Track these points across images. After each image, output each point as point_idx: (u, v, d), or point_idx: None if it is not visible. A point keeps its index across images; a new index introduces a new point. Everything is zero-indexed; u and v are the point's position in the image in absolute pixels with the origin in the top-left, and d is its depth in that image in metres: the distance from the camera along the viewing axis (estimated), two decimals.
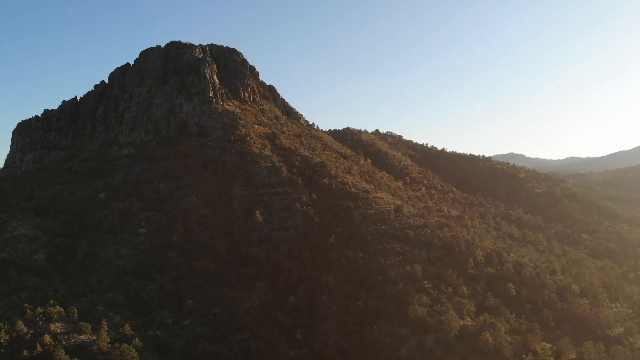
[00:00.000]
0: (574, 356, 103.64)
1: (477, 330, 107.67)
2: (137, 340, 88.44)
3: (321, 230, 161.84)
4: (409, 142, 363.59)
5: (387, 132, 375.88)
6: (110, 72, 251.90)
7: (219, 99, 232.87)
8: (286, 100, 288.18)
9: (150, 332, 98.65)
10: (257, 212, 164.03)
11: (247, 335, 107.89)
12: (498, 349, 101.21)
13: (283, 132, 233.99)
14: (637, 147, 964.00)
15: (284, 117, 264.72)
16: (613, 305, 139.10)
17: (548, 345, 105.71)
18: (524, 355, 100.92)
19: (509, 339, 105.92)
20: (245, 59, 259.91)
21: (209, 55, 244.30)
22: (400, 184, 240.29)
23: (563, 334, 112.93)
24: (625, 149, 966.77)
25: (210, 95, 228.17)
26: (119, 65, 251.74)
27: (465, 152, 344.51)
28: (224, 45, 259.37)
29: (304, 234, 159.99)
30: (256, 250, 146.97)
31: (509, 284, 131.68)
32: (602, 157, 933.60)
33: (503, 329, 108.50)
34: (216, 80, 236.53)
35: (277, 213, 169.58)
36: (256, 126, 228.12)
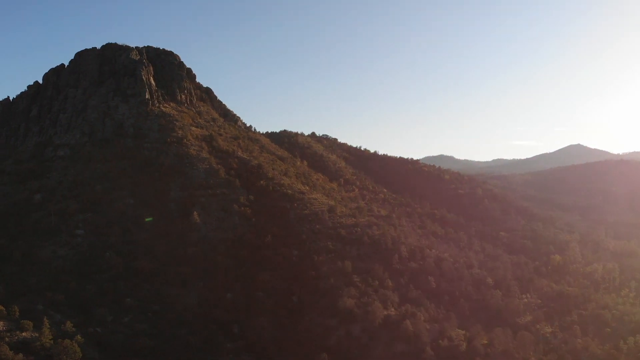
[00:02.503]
0: (485, 341, 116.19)
1: (400, 319, 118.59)
2: (78, 337, 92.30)
3: (258, 230, 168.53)
4: (344, 145, 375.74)
5: (323, 135, 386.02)
6: (44, 73, 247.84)
7: (156, 101, 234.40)
8: (223, 103, 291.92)
9: (90, 329, 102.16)
10: (195, 213, 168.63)
11: (185, 330, 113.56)
12: (417, 335, 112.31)
13: (220, 134, 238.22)
14: (559, 150, 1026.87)
15: (221, 119, 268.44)
16: (523, 296, 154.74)
17: (462, 332, 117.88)
18: (440, 341, 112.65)
19: (428, 327, 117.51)
20: (182, 62, 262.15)
21: (145, 57, 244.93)
22: (334, 185, 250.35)
23: (476, 322, 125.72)
24: (548, 152, 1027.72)
25: (147, 97, 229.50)
26: (54, 67, 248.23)
27: (395, 155, 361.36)
28: (161, 48, 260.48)
29: (241, 234, 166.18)
30: (194, 250, 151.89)
31: (430, 277, 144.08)
32: (527, 159, 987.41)
33: (423, 318, 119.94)
34: (153, 82, 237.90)
35: (214, 214, 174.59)
36: (193, 128, 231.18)
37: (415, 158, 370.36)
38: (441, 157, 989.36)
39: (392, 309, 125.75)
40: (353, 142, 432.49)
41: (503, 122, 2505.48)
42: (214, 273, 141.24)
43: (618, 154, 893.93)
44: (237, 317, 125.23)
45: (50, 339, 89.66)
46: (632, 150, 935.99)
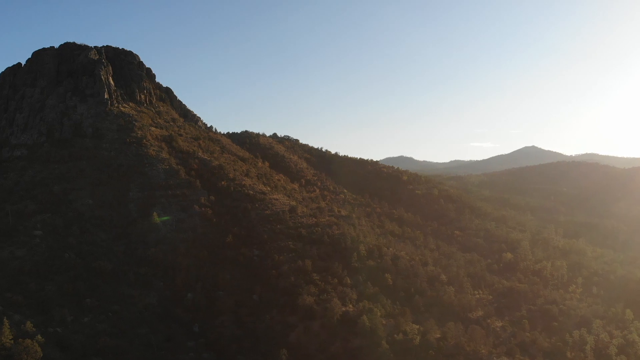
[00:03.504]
0: (438, 335, 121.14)
1: (357, 315, 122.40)
2: (39, 337, 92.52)
3: (219, 230, 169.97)
4: (305, 145, 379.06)
5: (284, 135, 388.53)
6: (0, 72, 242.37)
7: (115, 101, 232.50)
8: (183, 103, 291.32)
9: (50, 329, 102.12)
10: (155, 213, 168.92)
11: (146, 329, 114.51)
12: (373, 330, 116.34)
13: (180, 135, 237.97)
14: (514, 152, 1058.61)
15: (181, 120, 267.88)
16: (475, 292, 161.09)
17: (416, 327, 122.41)
18: (395, 335, 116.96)
19: (384, 322, 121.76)
20: (142, 61, 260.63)
21: (104, 57, 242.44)
22: (295, 185, 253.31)
23: (430, 317, 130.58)
24: (504, 153, 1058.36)
25: (106, 97, 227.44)
26: (10, 65, 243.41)
27: (356, 156, 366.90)
28: (120, 48, 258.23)
29: (202, 235, 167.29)
30: (154, 250, 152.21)
31: (386, 275, 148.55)
32: (484, 160, 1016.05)
33: (379, 313, 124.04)
34: (112, 82, 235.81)
35: (175, 214, 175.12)
36: (153, 128, 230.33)
37: (376, 159, 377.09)
38: (401, 158, 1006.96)
39: (350, 306, 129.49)
40: (315, 143, 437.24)
41: (462, 124, 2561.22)
42: (175, 273, 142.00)
43: (571, 156, 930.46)
44: (197, 316, 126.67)
45: (10, 339, 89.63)
46: (584, 152, 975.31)
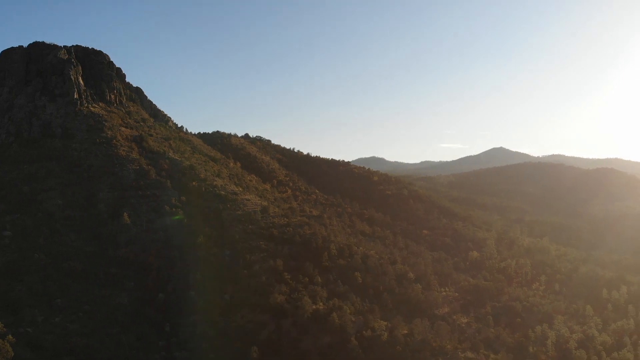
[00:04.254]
0: (405, 331, 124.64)
1: (327, 312, 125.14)
2: (10, 337, 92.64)
3: (190, 231, 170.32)
4: (277, 146, 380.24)
5: (256, 136, 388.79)
6: None
7: (84, 101, 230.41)
8: (154, 103, 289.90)
9: (21, 329, 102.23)
10: (125, 214, 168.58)
11: (117, 329, 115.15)
12: (343, 327, 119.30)
13: (151, 135, 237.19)
14: (483, 153, 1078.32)
15: (152, 120, 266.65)
16: (442, 289, 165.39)
17: (384, 323, 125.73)
18: (364, 332, 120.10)
19: (353, 319, 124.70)
20: (112, 61, 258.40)
21: (74, 56, 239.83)
22: (267, 186, 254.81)
23: (398, 314, 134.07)
24: (473, 154, 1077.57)
25: (75, 97, 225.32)
26: None
27: (328, 157, 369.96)
28: (90, 47, 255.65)
29: (173, 235, 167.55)
30: (124, 251, 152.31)
31: (356, 273, 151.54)
32: (453, 161, 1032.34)
33: (349, 311, 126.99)
34: (81, 82, 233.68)
35: (145, 215, 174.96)
36: (123, 129, 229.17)
37: (348, 160, 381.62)
38: (373, 159, 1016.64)
39: (321, 304, 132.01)
40: (287, 144, 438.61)
41: (432, 125, 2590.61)
42: (145, 273, 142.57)
43: (538, 157, 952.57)
44: (169, 316, 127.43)
45: None
46: (551, 154, 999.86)
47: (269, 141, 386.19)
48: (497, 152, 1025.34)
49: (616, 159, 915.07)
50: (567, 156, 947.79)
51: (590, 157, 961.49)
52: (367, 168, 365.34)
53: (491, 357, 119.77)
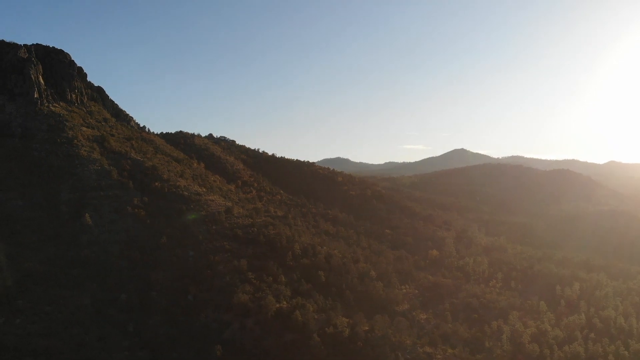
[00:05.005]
0: (366, 327, 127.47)
1: (291, 310, 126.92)
2: None
3: (153, 231, 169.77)
4: (242, 147, 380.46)
5: (220, 136, 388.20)
6: None
7: (45, 101, 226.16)
8: (115, 102, 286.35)
9: None
10: (87, 215, 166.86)
11: (79, 330, 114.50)
12: (306, 325, 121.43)
13: (112, 135, 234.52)
14: (444, 154, 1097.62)
15: (113, 120, 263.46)
16: (403, 287, 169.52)
17: (346, 320, 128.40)
18: (326, 329, 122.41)
19: (316, 316, 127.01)
20: (73, 60, 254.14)
21: (34, 55, 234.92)
22: (232, 187, 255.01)
23: (360, 311, 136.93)
24: (435, 155, 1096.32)
25: (35, 96, 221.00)
26: None
27: (293, 158, 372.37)
28: (51, 46, 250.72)
29: (135, 236, 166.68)
30: (86, 252, 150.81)
31: (320, 272, 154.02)
32: (416, 162, 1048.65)
33: (311, 309, 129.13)
34: (42, 81, 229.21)
35: (107, 216, 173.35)
36: (84, 128, 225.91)
37: (313, 160, 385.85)
38: (338, 160, 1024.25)
39: (284, 302, 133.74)
40: (252, 144, 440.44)
41: (397, 127, 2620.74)
42: (107, 274, 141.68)
43: (497, 158, 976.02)
44: (131, 316, 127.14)
45: None
46: (510, 155, 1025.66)
47: (234, 142, 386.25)
48: (458, 154, 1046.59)
49: (573, 161, 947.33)
50: (526, 158, 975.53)
51: (548, 159, 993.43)
52: (331, 169, 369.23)
53: (448, 351, 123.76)
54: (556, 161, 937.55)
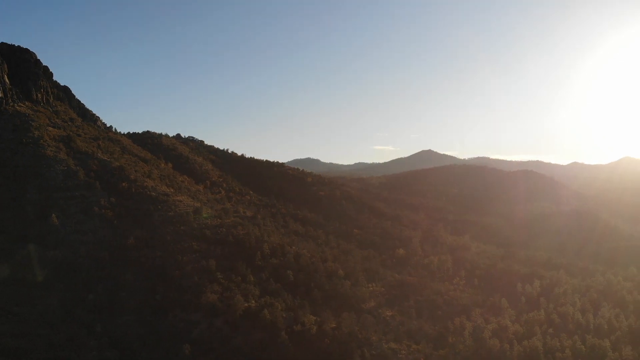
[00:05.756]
0: (333, 325, 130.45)
1: (259, 309, 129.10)
2: None
3: (120, 232, 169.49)
4: (211, 147, 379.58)
5: (188, 136, 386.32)
6: None
7: (10, 100, 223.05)
8: (82, 102, 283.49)
9: None
10: (54, 215, 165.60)
11: (48, 330, 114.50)
12: (274, 323, 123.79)
13: (79, 135, 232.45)
14: (413, 155, 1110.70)
15: (80, 120, 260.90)
16: (370, 285, 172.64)
17: (314, 318, 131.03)
18: (294, 327, 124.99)
19: (284, 315, 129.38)
20: (39, 59, 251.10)
21: None
22: (200, 187, 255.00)
23: (327, 309, 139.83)
24: (404, 156, 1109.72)
25: (0, 95, 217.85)
26: None
27: (262, 158, 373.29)
28: (16, 45, 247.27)
29: (103, 237, 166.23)
30: (53, 253, 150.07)
31: (288, 271, 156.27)
32: (385, 163, 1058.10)
33: (280, 308, 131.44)
34: (7, 80, 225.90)
35: (74, 217, 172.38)
36: (50, 128, 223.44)
37: (284, 161, 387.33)
38: (309, 160, 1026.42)
39: (253, 301, 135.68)
40: (221, 144, 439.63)
41: (367, 127, 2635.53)
42: (75, 275, 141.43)
43: (464, 159, 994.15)
44: (100, 316, 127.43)
45: None
46: (476, 156, 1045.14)
47: (202, 142, 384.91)
48: (426, 155, 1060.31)
49: (537, 162, 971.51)
50: (491, 159, 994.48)
51: (513, 160, 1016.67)
52: (301, 169, 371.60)
53: (413, 347, 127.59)
54: (520, 162, 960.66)
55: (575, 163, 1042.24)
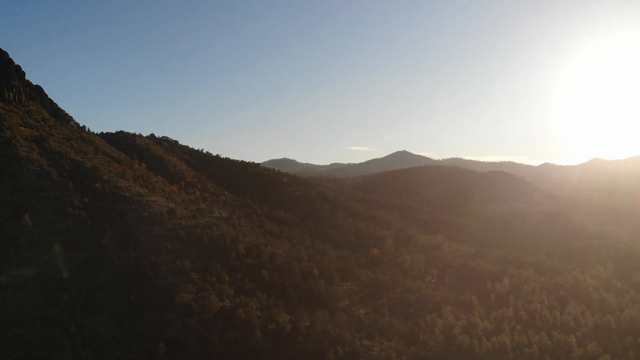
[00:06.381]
0: (308, 323, 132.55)
1: (234, 309, 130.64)
2: None
3: (94, 232, 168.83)
4: (185, 147, 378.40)
5: (162, 136, 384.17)
6: None
7: None
8: (54, 102, 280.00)
9: None
10: (26, 216, 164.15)
11: (22, 330, 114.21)
12: (249, 322, 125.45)
13: (52, 135, 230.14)
14: (388, 156, 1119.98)
15: (53, 119, 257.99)
16: (344, 284, 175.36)
17: (288, 316, 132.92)
18: (269, 325, 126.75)
19: (259, 314, 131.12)
20: (11, 59, 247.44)
21: None
22: (175, 187, 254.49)
23: (302, 307, 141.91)
24: (379, 157, 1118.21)
25: None
26: None
27: (237, 159, 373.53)
28: None
29: (77, 237, 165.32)
30: (26, 253, 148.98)
31: (263, 271, 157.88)
32: (360, 163, 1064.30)
33: (255, 307, 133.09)
34: None
35: (47, 217, 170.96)
36: (22, 128, 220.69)
37: (259, 161, 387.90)
38: (285, 160, 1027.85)
39: (228, 301, 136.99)
40: (196, 144, 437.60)
41: (343, 128, 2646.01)
42: (49, 275, 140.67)
43: (438, 160, 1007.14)
44: (74, 316, 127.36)
45: None
46: (450, 157, 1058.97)
47: (177, 142, 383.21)
48: (402, 155, 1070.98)
49: (509, 162, 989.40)
50: (464, 159, 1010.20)
51: (486, 161, 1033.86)
52: (276, 170, 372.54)
53: (385, 344, 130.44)
54: (493, 163, 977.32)
55: (546, 164, 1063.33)
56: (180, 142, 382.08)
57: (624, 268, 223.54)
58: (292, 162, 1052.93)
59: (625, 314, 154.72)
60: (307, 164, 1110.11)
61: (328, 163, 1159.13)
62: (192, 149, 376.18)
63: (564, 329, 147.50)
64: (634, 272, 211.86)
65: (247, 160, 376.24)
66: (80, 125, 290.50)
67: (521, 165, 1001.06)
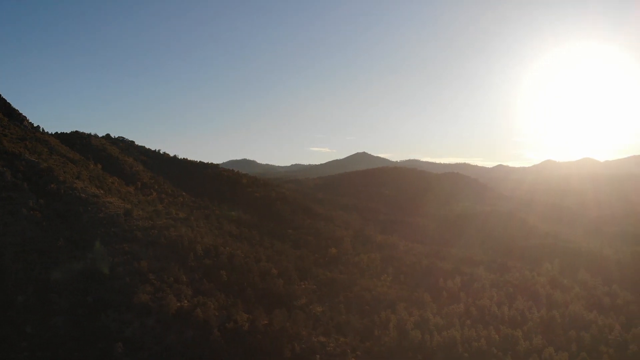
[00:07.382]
0: (265, 321, 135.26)
1: (192, 308, 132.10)
2: None
3: (49, 234, 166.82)
4: (142, 147, 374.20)
5: (118, 137, 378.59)
6: None
7: None
8: (7, 101, 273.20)
9: None
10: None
11: None
12: (206, 321, 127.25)
13: (5, 135, 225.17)
14: (348, 157, 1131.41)
15: (6, 119, 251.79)
16: (302, 283, 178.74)
17: (246, 315, 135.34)
18: (227, 324, 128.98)
19: (217, 313, 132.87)
20: None
21: None
22: (131, 189, 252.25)
23: (260, 306, 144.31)
24: (339, 158, 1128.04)
25: None
26: None
27: (195, 159, 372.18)
28: None
29: (32, 238, 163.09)
30: None
31: (222, 272, 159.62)
32: (321, 164, 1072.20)
33: (213, 306, 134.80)
34: None
35: (1, 218, 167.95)
36: None
37: (219, 162, 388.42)
38: (245, 161, 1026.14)
39: (186, 301, 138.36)
40: (152, 145, 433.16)
41: (304, 129, 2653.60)
42: (3, 276, 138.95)
43: (396, 162, 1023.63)
44: (30, 317, 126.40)
45: None
46: (407, 159, 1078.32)
47: (133, 142, 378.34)
48: (361, 157, 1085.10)
49: (464, 164, 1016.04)
50: (421, 161, 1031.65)
51: (442, 162, 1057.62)
52: (236, 171, 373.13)
53: (340, 340, 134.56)
54: (449, 164, 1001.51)
55: (500, 165, 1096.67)
56: (136, 143, 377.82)
57: (571, 266, 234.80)
58: (252, 163, 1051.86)
59: (570, 309, 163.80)
60: (267, 164, 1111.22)
61: (289, 164, 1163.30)
62: (149, 150, 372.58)
63: (512, 323, 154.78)
64: (580, 269, 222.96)
65: (206, 161, 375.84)
66: (35, 125, 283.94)
67: (476, 166, 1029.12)
